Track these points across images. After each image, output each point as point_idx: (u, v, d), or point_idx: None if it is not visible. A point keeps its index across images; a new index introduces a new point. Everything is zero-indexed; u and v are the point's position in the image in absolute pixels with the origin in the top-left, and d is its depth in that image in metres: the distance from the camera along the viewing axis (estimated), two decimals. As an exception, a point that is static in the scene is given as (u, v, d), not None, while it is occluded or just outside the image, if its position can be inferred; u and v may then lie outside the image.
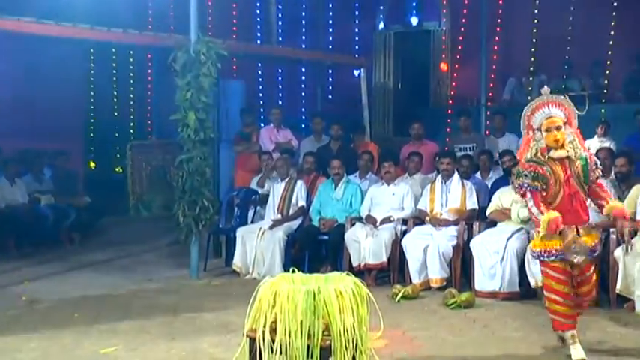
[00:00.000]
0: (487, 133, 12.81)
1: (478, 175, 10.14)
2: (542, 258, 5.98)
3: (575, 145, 5.97)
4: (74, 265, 10.36)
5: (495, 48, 14.36)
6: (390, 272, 9.20)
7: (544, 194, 5.91)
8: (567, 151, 5.93)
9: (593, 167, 6.00)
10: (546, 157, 5.94)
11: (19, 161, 12.11)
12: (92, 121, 16.43)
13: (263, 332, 4.43)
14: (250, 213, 10.52)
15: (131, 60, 16.48)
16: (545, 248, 5.94)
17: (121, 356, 6.33)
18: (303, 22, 16.26)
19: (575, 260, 5.87)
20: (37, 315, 7.82)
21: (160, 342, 6.75)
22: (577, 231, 5.91)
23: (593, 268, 6.19)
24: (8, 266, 10.19)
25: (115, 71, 16.50)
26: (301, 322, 4.37)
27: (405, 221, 9.37)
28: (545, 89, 6.05)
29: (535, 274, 8.03)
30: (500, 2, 14.26)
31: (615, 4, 13.36)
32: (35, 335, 7.01)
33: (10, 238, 11.30)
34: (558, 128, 5.88)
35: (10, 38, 10.36)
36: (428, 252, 8.81)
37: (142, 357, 6.29)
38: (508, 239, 8.41)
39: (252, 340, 4.50)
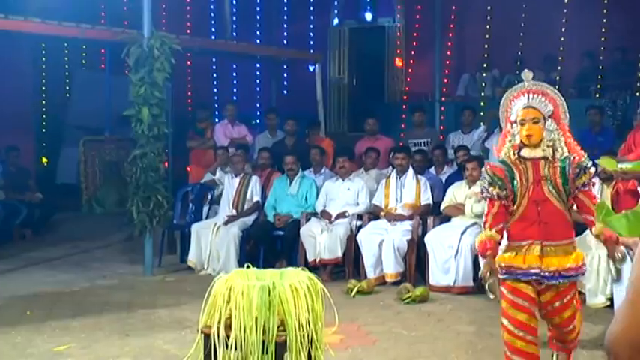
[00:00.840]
0: (441, 128, 12.89)
1: (432, 170, 10.20)
2: (500, 275, 4.88)
3: (557, 144, 4.84)
4: (26, 262, 10.22)
5: (449, 44, 14.45)
6: (346, 267, 9.24)
7: (505, 202, 4.86)
8: (543, 151, 4.84)
9: (576, 171, 4.79)
10: (516, 155, 4.89)
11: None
12: (44, 116, 16.20)
13: (218, 328, 4.39)
14: (205, 209, 10.48)
15: (84, 55, 16.30)
16: (507, 263, 4.83)
17: (74, 354, 6.28)
18: (258, 17, 16.23)
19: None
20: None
21: (114, 339, 6.71)
22: (541, 249, 4.79)
23: (574, 292, 4.98)
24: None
25: (67, 66, 16.28)
26: (256, 317, 4.35)
27: (360, 216, 9.42)
28: (527, 73, 4.98)
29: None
30: (455, -1, 14.35)
31: (566, 1, 13.52)
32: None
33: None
34: (535, 121, 4.80)
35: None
36: (383, 247, 8.85)
37: (96, 354, 6.24)
38: (462, 234, 8.48)
39: (207, 336, 4.46)
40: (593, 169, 4.87)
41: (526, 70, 5.03)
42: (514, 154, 4.87)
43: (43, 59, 15.99)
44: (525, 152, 4.86)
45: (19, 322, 7.29)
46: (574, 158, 4.82)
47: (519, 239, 4.84)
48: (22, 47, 13.67)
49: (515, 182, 4.82)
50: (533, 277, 4.76)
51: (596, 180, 7.30)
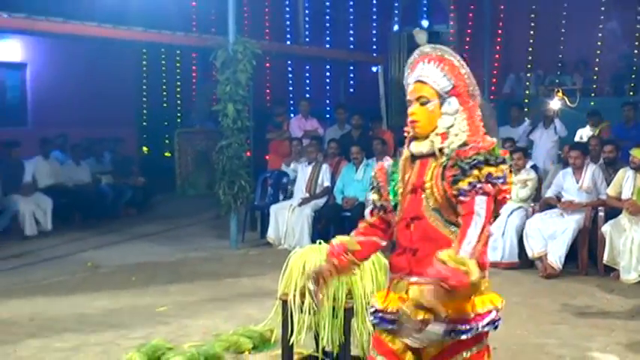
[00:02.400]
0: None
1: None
2: (369, 318, 3.24)
3: (452, 132, 2.82)
4: (131, 236, 10.43)
5: (497, 47, 14.25)
6: (404, 244, 9.17)
7: (384, 214, 3.12)
8: (431, 143, 2.85)
9: (455, 172, 2.74)
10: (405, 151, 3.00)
11: (83, 146, 12.24)
12: (144, 111, 16.48)
13: (294, 296, 4.43)
14: (281, 192, 10.53)
15: (178, 58, 16.52)
16: (371, 302, 3.09)
17: (172, 314, 6.39)
18: (328, 24, 16.21)
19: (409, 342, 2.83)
20: (101, 278, 7.92)
21: (205, 302, 6.80)
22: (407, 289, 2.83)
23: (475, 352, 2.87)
24: (75, 236, 10.28)
25: (164, 68, 16.54)
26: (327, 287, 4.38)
27: (418, 199, 9.33)
28: (418, 33, 3.24)
29: (532, 247, 8.04)
30: (502, 7, 14.14)
31: (603, 8, 13.21)
32: (99, 295, 7.11)
33: (76, 213, 11.44)
34: (423, 102, 2.88)
35: (75, 40, 10.44)
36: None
37: (190, 315, 6.34)
38: (508, 216, 8.36)
39: (285, 303, 4.51)
40: (492, 169, 2.72)
41: (417, 29, 3.42)
42: (407, 148, 2.97)
43: (144, 63, 16.24)
44: (413, 146, 2.93)
45: (125, 286, 7.47)
46: (463, 151, 2.77)
47: (391, 270, 3.04)
48: (125, 53, 13.92)
49: (395, 188, 2.98)
50: (388, 325, 2.89)
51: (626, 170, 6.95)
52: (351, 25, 16.24)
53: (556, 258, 7.89)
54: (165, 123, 16.38)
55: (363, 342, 4.47)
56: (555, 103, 11.15)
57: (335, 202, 9.85)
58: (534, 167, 9.10)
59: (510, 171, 2.79)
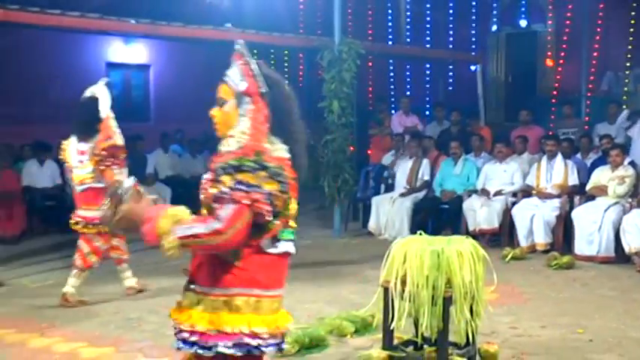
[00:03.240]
0: (586, 119, 12.29)
1: (579, 155, 9.75)
2: None
3: (235, 138, 2.64)
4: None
5: (595, 45, 13.72)
6: (501, 237, 9.01)
7: None
8: (223, 147, 2.68)
9: (211, 177, 2.62)
10: None
11: (199, 141, 12.54)
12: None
13: (395, 283, 4.42)
14: (382, 185, 10.51)
15: (286, 58, 16.70)
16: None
17: (279, 298, 6.47)
18: (428, 25, 16.01)
19: None
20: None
21: (310, 287, 6.87)
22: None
23: None
24: (190, 224, 10.55)
25: (272, 68, 16.69)
26: (427, 276, 4.35)
27: (514, 194, 9.16)
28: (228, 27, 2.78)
29: (629, 242, 7.72)
30: (601, 6, 13.60)
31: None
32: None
33: (191, 202, 11.71)
34: (220, 103, 2.75)
35: (193, 42, 10.73)
36: (534, 220, 8.58)
37: (296, 299, 6.39)
38: (605, 211, 8.08)
39: (386, 290, 4.51)
40: (245, 175, 2.50)
41: (228, 24, 2.96)
42: None
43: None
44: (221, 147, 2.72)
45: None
46: (220, 155, 2.63)
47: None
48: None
49: None
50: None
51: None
52: (451, 25, 15.98)
53: (653, 254, 7.58)
54: (274, 119, 16.57)
55: (460, 329, 4.42)
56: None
57: (434, 195, 9.77)
58: (632, 164, 8.75)
59: (280, 181, 2.54)
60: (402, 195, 9.65)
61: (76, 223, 6.30)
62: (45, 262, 8.08)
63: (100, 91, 6.42)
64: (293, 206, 2.77)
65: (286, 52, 15.89)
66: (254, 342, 2.58)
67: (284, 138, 2.68)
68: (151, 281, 7.13)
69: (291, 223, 2.79)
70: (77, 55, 12.83)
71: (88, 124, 6.30)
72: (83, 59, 13.06)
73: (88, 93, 6.46)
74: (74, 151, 6.35)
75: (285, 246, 2.73)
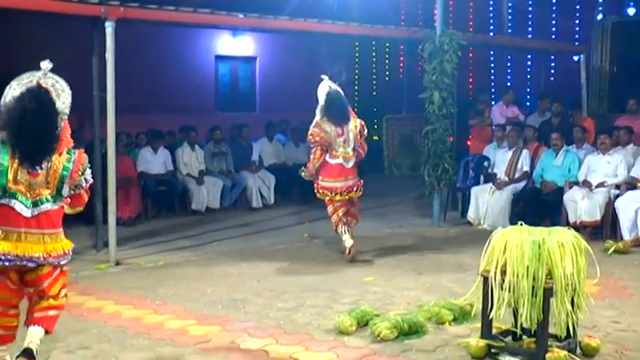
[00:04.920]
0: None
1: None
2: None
3: None
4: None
5: None
6: (603, 229, 8.67)
7: None
8: None
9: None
10: None
11: (302, 130, 12.64)
12: (356, 98, 16.78)
13: (495, 273, 4.34)
14: (482, 175, 10.32)
15: (387, 50, 16.63)
16: None
17: (378, 284, 6.48)
18: (530, 15, 15.55)
19: None
20: (315, 248, 8.20)
21: (409, 275, 6.84)
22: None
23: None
24: (294, 210, 10.74)
25: (374, 59, 16.72)
26: (527, 267, 4.24)
27: (617, 186, 8.78)
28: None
29: None
30: None
31: None
32: (314, 263, 7.38)
33: (295, 189, 11.89)
34: None
35: (299, 35, 10.84)
36: (639, 213, 8.20)
37: (395, 286, 6.40)
38: None
39: (485, 279, 4.43)
40: None
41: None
42: None
43: (356, 54, 16.51)
44: None
45: (336, 257, 7.66)
46: None
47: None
48: (341, 46, 14.22)
49: None
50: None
51: None
52: (554, 15, 15.47)
53: None
54: (375, 109, 16.57)
55: (561, 321, 4.29)
56: None
57: (534, 186, 9.50)
58: None
59: None
60: (501, 185, 9.43)
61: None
62: (157, 243, 8.38)
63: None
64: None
65: (387, 43, 15.82)
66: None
67: None
68: (257, 265, 7.28)
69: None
70: (189, 48, 13.21)
71: None
72: (194, 52, 13.44)
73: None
74: None
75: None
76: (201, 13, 8.41)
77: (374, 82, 16.91)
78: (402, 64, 16.50)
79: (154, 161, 10.45)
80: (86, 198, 4.22)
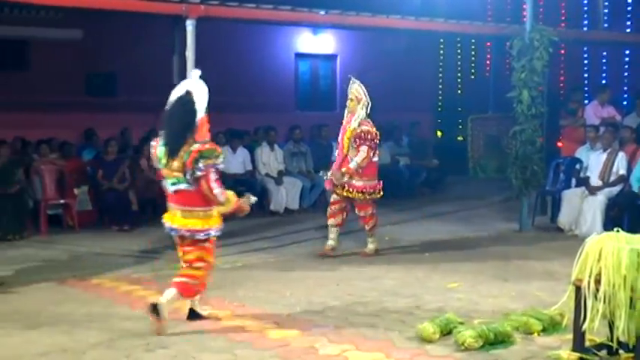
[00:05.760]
0: None
1: None
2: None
3: None
4: (424, 214, 10.63)
5: None
6: None
7: None
8: None
9: None
10: None
11: (385, 130, 12.63)
12: (440, 98, 16.64)
13: (588, 282, 4.22)
14: (573, 178, 10.04)
15: (472, 47, 16.39)
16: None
17: (462, 290, 6.40)
18: (629, 8, 15.01)
19: None
20: (396, 252, 8.16)
21: (494, 282, 6.72)
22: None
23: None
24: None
25: (459, 57, 16.52)
26: (625, 276, 4.11)
27: None
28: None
29: None
30: None
31: None
32: (395, 267, 7.34)
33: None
34: None
35: (381, 32, 10.83)
36: None
37: (479, 293, 6.29)
38: None
39: (578, 288, 4.31)
40: None
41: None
42: None
43: (441, 52, 16.35)
44: None
45: (419, 261, 7.63)
46: None
47: None
48: (424, 43, 14.13)
49: None
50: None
51: None
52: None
53: None
54: (459, 109, 16.37)
55: (661, 335, 4.13)
56: None
57: (630, 190, 9.16)
58: None
59: None
60: (595, 190, 9.14)
61: None
62: (235, 244, 8.50)
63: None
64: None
65: (473, 40, 15.60)
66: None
67: None
68: (337, 268, 7.30)
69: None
70: (269, 46, 13.39)
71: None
72: (274, 50, 13.60)
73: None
74: None
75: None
76: (282, 10, 8.52)
77: (458, 80, 16.70)
78: (488, 62, 16.25)
79: (232, 161, 10.63)
80: (205, 187, 5.06)
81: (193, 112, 5.12)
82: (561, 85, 15.11)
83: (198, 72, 5.21)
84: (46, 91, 11.64)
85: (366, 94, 7.68)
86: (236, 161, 10.67)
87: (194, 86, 5.19)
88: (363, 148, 7.62)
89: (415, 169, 12.31)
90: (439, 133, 16.46)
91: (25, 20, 11.08)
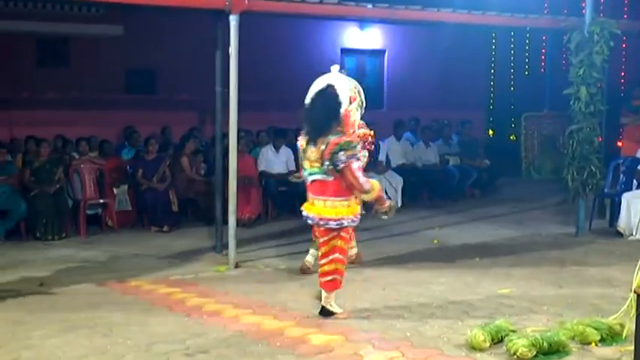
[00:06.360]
0: None
1: None
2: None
3: None
4: (475, 217, 10.53)
5: None
6: None
7: None
8: None
9: None
10: None
11: (433, 129, 12.61)
12: (492, 95, 16.47)
13: (650, 290, 4.12)
14: (635, 180, 9.84)
15: (527, 41, 16.19)
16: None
17: (513, 296, 6.32)
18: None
19: None
20: (445, 256, 8.10)
21: (548, 288, 6.64)
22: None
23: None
24: (422, 214, 10.67)
25: (512, 52, 16.34)
26: (689, 285, 4.00)
27: None
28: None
29: None
30: None
31: None
32: (443, 272, 7.28)
33: (424, 192, 11.84)
34: None
35: (431, 26, 10.76)
36: None
37: (533, 300, 6.20)
38: None
39: (639, 297, 4.21)
40: None
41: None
42: None
43: (493, 47, 16.19)
44: None
45: (469, 265, 7.56)
46: None
47: None
48: (476, 38, 13.99)
49: None
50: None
51: None
52: None
53: None
54: (512, 106, 16.18)
55: None
56: None
57: (697, 194, 8.96)
58: None
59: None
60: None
61: None
62: (277, 246, 8.54)
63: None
64: None
65: (527, 34, 15.40)
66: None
67: None
68: (383, 272, 7.28)
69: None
70: (313, 41, 13.41)
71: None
72: (319, 45, 13.61)
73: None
74: None
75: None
76: (328, 3, 8.50)
77: (512, 76, 16.51)
78: (543, 57, 16.03)
79: (275, 160, 10.67)
80: (350, 177, 5.36)
81: (337, 104, 5.48)
82: (622, 80, 14.81)
83: (337, 66, 5.67)
84: (86, 88, 11.85)
85: (361, 92, 6.47)
86: (279, 161, 10.70)
87: (335, 79, 5.59)
88: (364, 153, 7.37)
89: (465, 170, 12.20)
90: (490, 132, 16.31)
91: (65, 17, 11.27)
